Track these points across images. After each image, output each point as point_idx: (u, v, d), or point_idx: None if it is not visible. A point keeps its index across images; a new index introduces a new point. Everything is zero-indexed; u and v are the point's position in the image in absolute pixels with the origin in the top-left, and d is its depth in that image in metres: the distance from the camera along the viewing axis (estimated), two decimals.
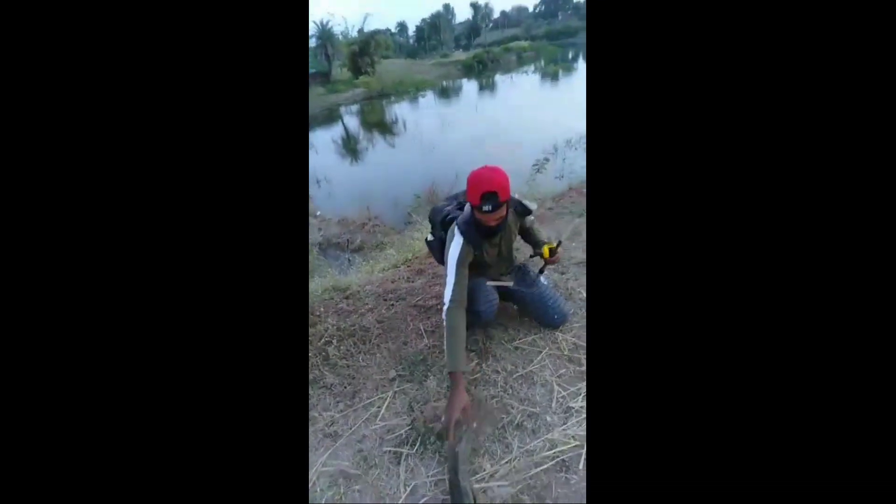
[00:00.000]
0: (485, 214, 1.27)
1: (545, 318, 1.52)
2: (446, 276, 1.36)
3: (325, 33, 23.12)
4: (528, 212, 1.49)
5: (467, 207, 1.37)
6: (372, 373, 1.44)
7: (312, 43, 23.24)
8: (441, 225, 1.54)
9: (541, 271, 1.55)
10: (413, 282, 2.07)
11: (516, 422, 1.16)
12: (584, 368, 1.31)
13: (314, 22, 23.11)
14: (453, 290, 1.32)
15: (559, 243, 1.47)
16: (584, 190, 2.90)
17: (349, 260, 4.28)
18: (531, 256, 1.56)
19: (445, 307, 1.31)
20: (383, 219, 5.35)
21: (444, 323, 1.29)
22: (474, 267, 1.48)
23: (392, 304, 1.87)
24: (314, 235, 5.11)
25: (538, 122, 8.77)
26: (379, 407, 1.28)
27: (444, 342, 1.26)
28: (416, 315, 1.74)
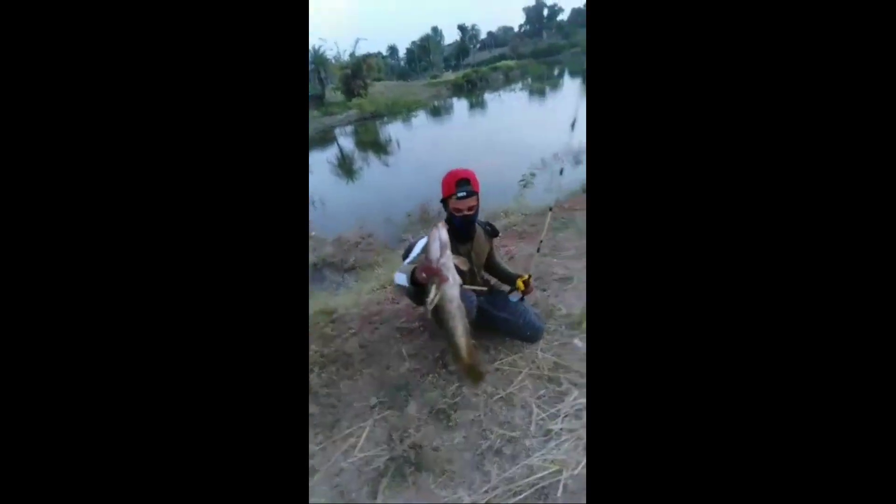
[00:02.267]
0: (460, 201, 1.38)
1: (518, 335, 1.53)
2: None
3: (319, 58, 23.64)
4: (496, 233, 1.64)
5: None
6: (353, 400, 1.42)
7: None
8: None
9: (521, 300, 1.60)
10: (398, 303, 2.06)
11: (495, 447, 1.14)
12: (563, 388, 1.30)
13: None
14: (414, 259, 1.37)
15: (529, 276, 1.58)
16: (564, 205, 2.94)
17: (342, 280, 4.28)
18: (509, 293, 1.63)
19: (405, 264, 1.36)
20: (377, 237, 5.37)
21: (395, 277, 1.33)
22: None
23: (376, 328, 1.86)
24: (309, 256, 5.11)
25: (528, 137, 8.91)
26: (358, 437, 1.26)
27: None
28: (399, 338, 1.73)
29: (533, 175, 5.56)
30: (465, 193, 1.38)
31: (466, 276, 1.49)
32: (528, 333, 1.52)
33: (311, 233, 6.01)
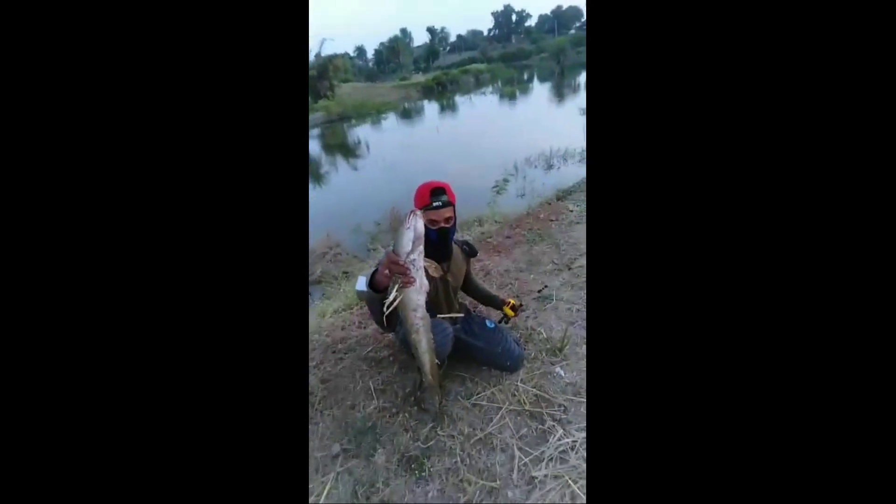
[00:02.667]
0: (435, 211, 1.25)
1: (497, 364, 1.43)
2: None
3: None
4: (475, 253, 1.51)
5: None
6: (313, 448, 1.25)
7: None
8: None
9: (503, 321, 1.54)
10: (365, 328, 1.90)
11: (474, 502, 1.02)
12: (545, 426, 1.19)
13: None
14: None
15: (520, 303, 1.54)
16: (539, 215, 2.87)
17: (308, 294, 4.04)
18: (500, 321, 1.56)
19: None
20: (345, 246, 5.14)
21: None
22: None
23: (341, 358, 1.69)
24: None
25: (500, 141, 8.93)
26: (318, 496, 1.10)
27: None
28: (366, 370, 1.57)
29: (506, 181, 5.51)
30: (440, 203, 1.25)
31: (438, 287, 1.37)
32: (507, 363, 1.41)
33: None
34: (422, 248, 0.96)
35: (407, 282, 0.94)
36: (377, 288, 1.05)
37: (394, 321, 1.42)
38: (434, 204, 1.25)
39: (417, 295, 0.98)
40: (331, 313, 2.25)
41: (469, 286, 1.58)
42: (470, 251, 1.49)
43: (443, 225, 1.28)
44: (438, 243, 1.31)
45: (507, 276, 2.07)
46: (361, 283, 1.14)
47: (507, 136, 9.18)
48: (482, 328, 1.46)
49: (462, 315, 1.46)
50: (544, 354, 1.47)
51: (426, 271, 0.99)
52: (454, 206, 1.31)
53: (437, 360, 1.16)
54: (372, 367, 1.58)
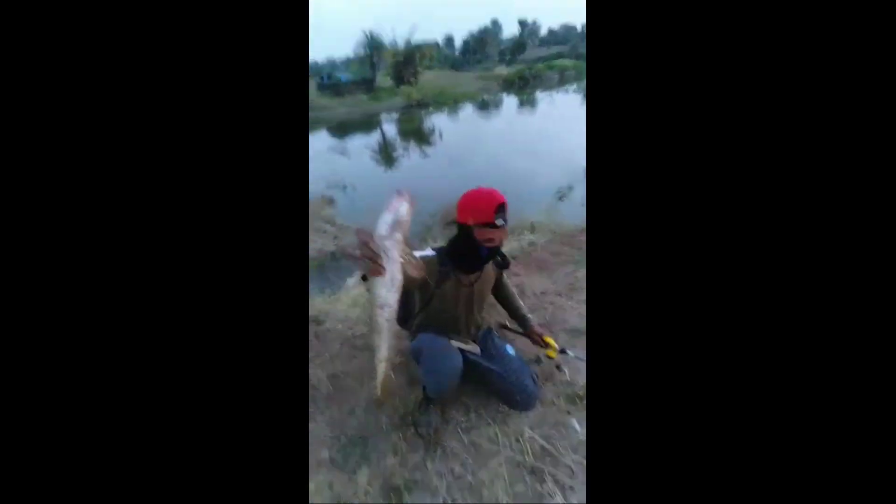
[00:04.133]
0: (497, 230, 1.13)
1: (506, 396, 1.29)
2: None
3: (374, 42, 23.80)
4: (507, 265, 1.34)
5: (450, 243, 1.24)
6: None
7: (361, 51, 24.10)
8: None
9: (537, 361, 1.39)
10: None
11: None
12: (544, 488, 1.04)
13: (363, 31, 23.93)
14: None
15: (563, 350, 1.38)
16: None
17: (352, 275, 4.16)
18: (536, 361, 1.41)
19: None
20: None
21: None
22: (435, 319, 1.27)
23: (355, 355, 1.67)
24: (329, 244, 5.05)
25: (573, 143, 8.46)
26: None
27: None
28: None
29: (571, 188, 5.16)
30: (503, 222, 1.13)
31: (460, 299, 1.26)
32: (517, 398, 1.26)
33: (336, 220, 5.99)
34: (400, 237, 0.79)
35: (375, 270, 0.77)
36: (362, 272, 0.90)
37: (407, 315, 1.35)
38: (498, 223, 1.12)
39: (387, 291, 0.81)
40: (361, 302, 2.24)
41: (500, 293, 1.44)
42: (502, 262, 1.32)
43: (497, 244, 1.18)
44: (482, 259, 1.21)
45: (543, 299, 1.89)
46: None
47: (583, 139, 8.62)
48: (500, 351, 1.33)
49: (476, 352, 1.33)
50: (562, 400, 1.30)
51: (404, 267, 0.81)
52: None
53: (391, 374, 0.99)
54: None
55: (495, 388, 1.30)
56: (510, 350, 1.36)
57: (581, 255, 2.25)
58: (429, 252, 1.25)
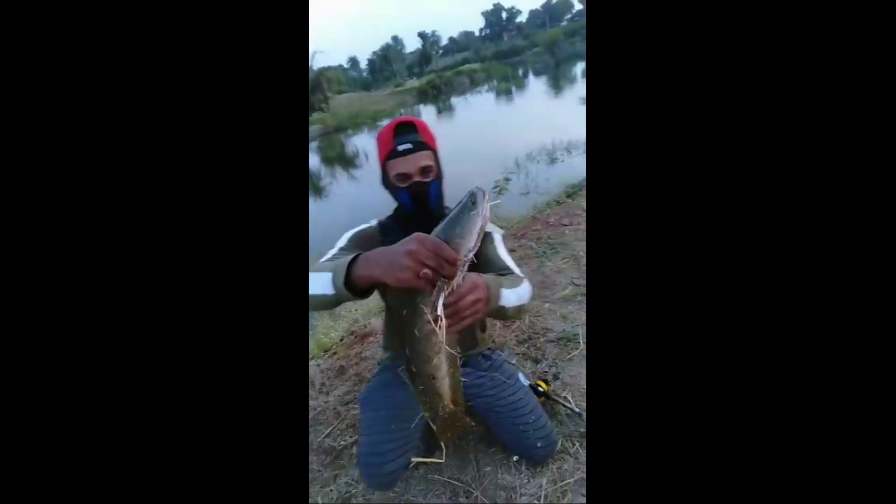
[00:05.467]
0: (403, 158, 0.81)
1: (519, 444, 0.93)
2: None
3: None
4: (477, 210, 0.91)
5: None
6: None
7: None
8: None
9: (543, 396, 1.04)
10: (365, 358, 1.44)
11: None
12: None
13: None
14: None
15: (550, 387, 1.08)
16: (549, 220, 2.38)
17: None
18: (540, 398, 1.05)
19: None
20: None
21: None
22: (398, 332, 0.87)
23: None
24: None
25: (499, 139, 8.58)
26: None
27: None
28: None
29: (508, 179, 5.05)
30: (409, 145, 0.81)
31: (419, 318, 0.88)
32: (537, 444, 0.90)
33: None
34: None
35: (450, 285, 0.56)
36: (360, 288, 0.63)
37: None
38: (399, 148, 0.80)
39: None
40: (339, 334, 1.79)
41: (485, 257, 0.89)
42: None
43: (417, 179, 0.82)
44: (416, 209, 0.84)
45: None
46: (324, 284, 0.65)
47: (507, 134, 8.86)
48: (512, 378, 0.96)
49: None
50: (576, 444, 0.98)
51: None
52: (435, 151, 0.86)
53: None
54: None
55: (503, 428, 0.94)
56: (524, 380, 1.00)
57: (543, 247, 2.00)
58: (370, 224, 0.94)
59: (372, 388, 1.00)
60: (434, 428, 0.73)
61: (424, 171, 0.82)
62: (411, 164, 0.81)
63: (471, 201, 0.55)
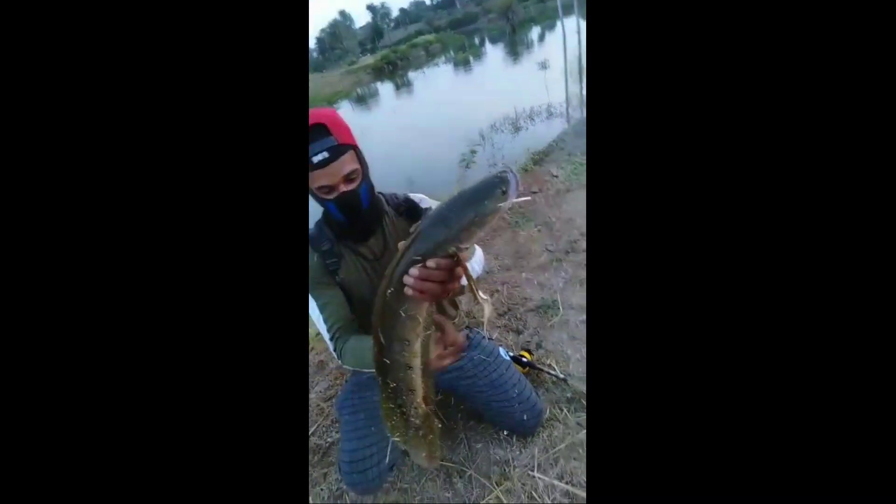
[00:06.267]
0: (320, 171, 0.70)
1: (506, 421, 0.93)
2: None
3: None
4: (417, 213, 0.86)
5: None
6: None
7: None
8: None
9: (528, 366, 1.03)
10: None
11: None
12: None
13: None
14: (326, 319, 0.79)
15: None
16: (520, 186, 2.36)
17: None
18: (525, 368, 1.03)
19: (331, 346, 0.79)
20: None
21: (343, 361, 0.78)
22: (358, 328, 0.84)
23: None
24: None
25: (461, 111, 8.40)
26: None
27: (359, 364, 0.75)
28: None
29: (474, 152, 4.96)
30: (325, 154, 0.69)
31: (370, 281, 0.84)
32: (524, 417, 0.90)
33: None
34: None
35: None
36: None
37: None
38: (314, 160, 0.69)
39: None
40: None
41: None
42: (408, 209, 0.88)
43: (344, 189, 0.74)
44: (348, 219, 0.77)
45: (491, 279, 1.57)
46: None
47: (469, 106, 8.66)
48: (488, 360, 0.93)
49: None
50: (564, 409, 0.98)
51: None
52: (356, 149, 0.75)
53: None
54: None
55: (488, 405, 0.92)
56: (504, 354, 0.99)
57: (516, 216, 1.97)
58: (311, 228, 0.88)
59: (346, 391, 0.96)
60: (407, 450, 0.66)
61: (348, 178, 0.73)
62: (332, 174, 0.71)
63: (501, 189, 0.48)
